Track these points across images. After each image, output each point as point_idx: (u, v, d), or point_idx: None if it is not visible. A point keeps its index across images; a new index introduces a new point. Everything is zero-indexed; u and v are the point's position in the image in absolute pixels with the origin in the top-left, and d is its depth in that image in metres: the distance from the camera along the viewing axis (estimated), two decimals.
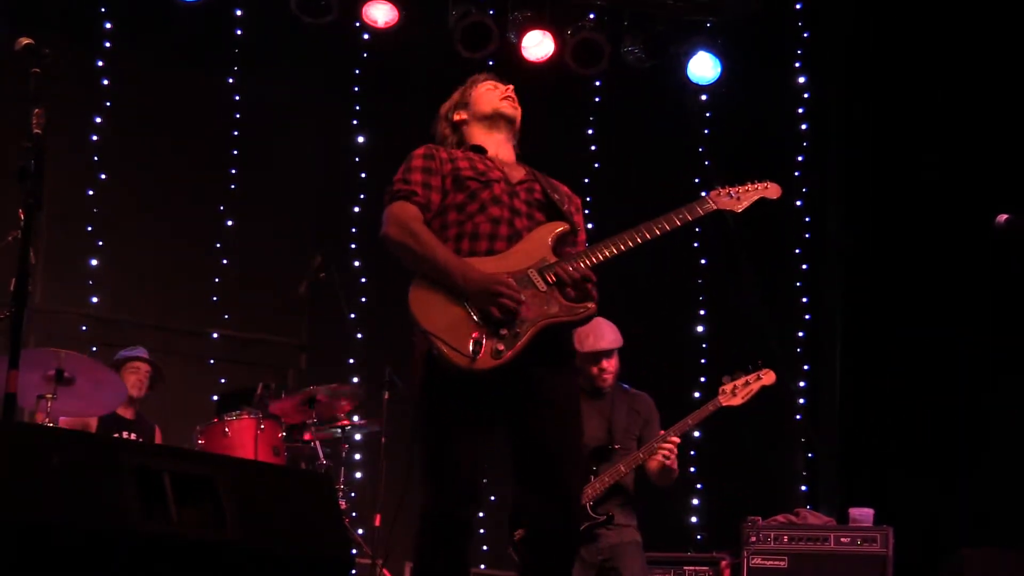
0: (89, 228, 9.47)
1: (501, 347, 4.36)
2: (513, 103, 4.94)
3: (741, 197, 5.05)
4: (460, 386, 4.37)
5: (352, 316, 9.25)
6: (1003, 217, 5.17)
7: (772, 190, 5.13)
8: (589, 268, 4.56)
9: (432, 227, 4.59)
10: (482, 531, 9.21)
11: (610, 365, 6.64)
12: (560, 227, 4.68)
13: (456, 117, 4.94)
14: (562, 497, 4.49)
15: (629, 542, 6.46)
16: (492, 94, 4.93)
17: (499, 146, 4.88)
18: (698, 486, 9.88)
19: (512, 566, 6.35)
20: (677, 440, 6.39)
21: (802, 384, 10.05)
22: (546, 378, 4.50)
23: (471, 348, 4.32)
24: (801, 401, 10.07)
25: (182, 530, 3.45)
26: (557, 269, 4.52)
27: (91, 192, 9.49)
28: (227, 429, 7.51)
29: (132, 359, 8.18)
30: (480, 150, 4.82)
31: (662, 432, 6.44)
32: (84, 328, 9.27)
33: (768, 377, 6.60)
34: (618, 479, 6.41)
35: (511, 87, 4.99)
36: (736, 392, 6.54)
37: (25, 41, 4.68)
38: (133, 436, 8.01)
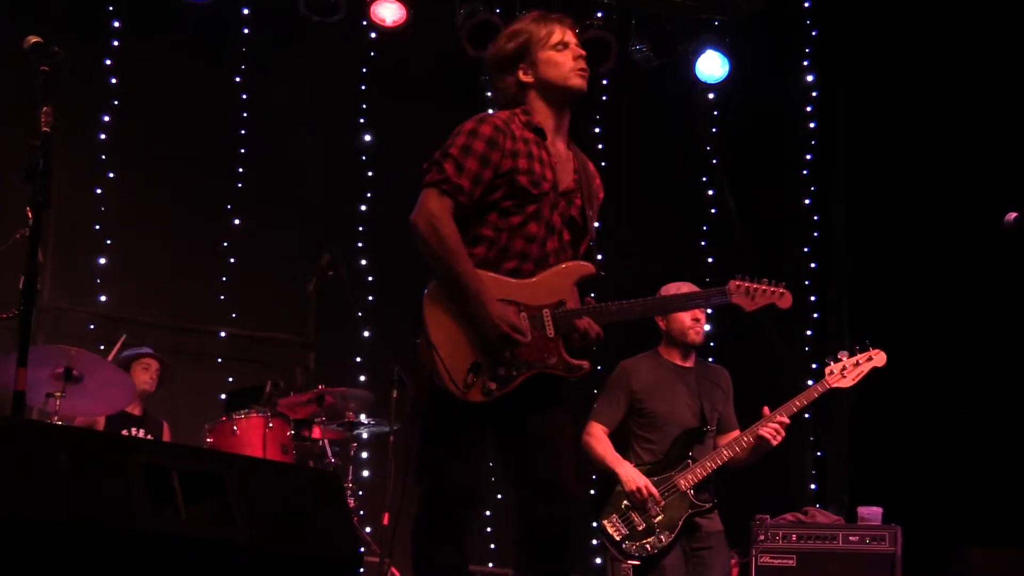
0: (97, 227, 9.47)
1: (492, 387, 4.39)
2: (585, 75, 4.65)
3: (755, 298, 5.02)
4: (451, 403, 4.39)
5: (360, 314, 9.25)
6: (1012, 215, 5.16)
7: (785, 299, 5.12)
8: (600, 328, 4.55)
9: (469, 219, 4.51)
10: (488, 529, 9.22)
11: (703, 317, 6.59)
12: (587, 272, 4.63)
13: (523, 77, 4.67)
14: (557, 491, 4.48)
15: (719, 532, 6.44)
16: (564, 59, 4.63)
17: (559, 129, 4.70)
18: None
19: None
20: (787, 421, 6.35)
21: (810, 383, 10.00)
22: (537, 401, 4.50)
23: (465, 378, 4.35)
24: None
25: (190, 528, 3.45)
26: (575, 321, 4.50)
27: (99, 191, 9.49)
28: (235, 428, 7.52)
29: (142, 355, 8.20)
30: (541, 134, 4.63)
31: (775, 412, 6.34)
32: (92, 327, 9.27)
33: (879, 358, 6.46)
34: (721, 464, 6.36)
35: (584, 54, 4.68)
36: (846, 373, 6.44)
37: (33, 39, 4.67)
38: (141, 432, 8.03)
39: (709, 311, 6.73)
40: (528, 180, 4.52)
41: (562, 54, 4.64)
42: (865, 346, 6.49)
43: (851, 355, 6.47)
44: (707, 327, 9.98)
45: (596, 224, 4.82)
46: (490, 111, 4.70)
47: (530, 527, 4.51)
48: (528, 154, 4.56)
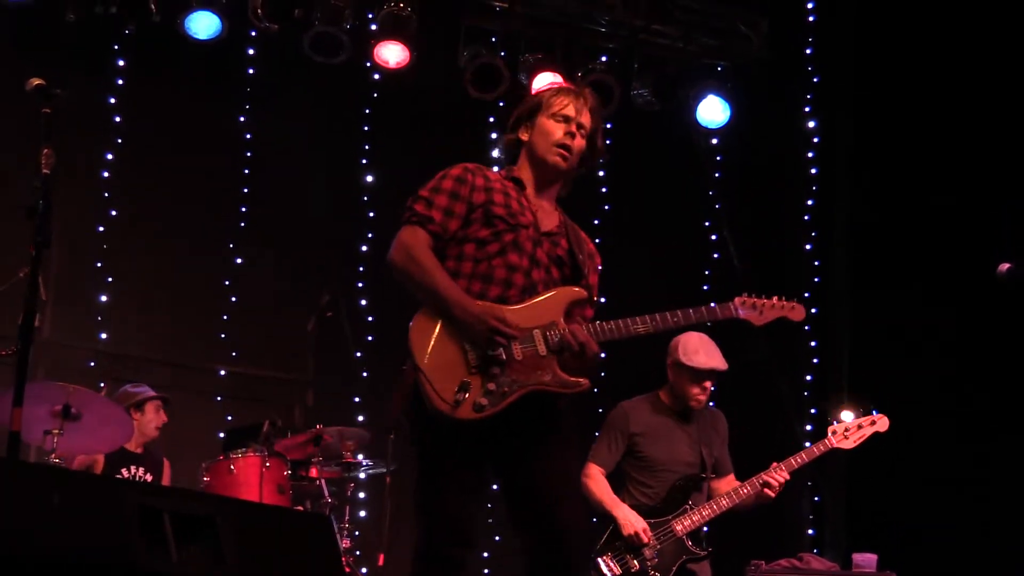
0: (99, 264, 9.50)
1: (484, 402, 4.36)
2: (565, 156, 4.68)
3: (764, 312, 5.00)
4: (443, 426, 4.38)
5: (359, 354, 9.26)
6: (1004, 266, 5.17)
7: (797, 312, 5.08)
8: (596, 343, 4.53)
9: (448, 255, 4.56)
10: (486, 571, 9.20)
11: (710, 387, 6.61)
12: (578, 294, 4.62)
13: (522, 135, 4.78)
14: (560, 537, 4.44)
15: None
16: (553, 130, 4.69)
17: (541, 188, 4.74)
18: (704, 529, 9.86)
19: None
20: (787, 477, 6.42)
21: (808, 428, 10.03)
22: (530, 431, 4.48)
23: (455, 395, 4.34)
24: (807, 445, 10.04)
25: (182, 570, 3.46)
26: (564, 335, 4.48)
27: (101, 228, 9.53)
28: (232, 467, 7.51)
29: (152, 398, 8.14)
30: (520, 184, 4.71)
31: (775, 464, 6.42)
32: (92, 363, 9.27)
33: (882, 424, 6.56)
34: (719, 514, 6.41)
35: (578, 133, 4.72)
36: (848, 435, 6.52)
37: (36, 82, 4.71)
38: (140, 470, 8.01)
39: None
40: (505, 211, 4.58)
41: (556, 125, 4.70)
42: (869, 410, 6.58)
43: (855, 417, 6.54)
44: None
45: (595, 291, 4.80)
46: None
47: (534, 573, 4.47)
48: (504, 193, 4.63)
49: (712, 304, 4.89)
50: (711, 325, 5.17)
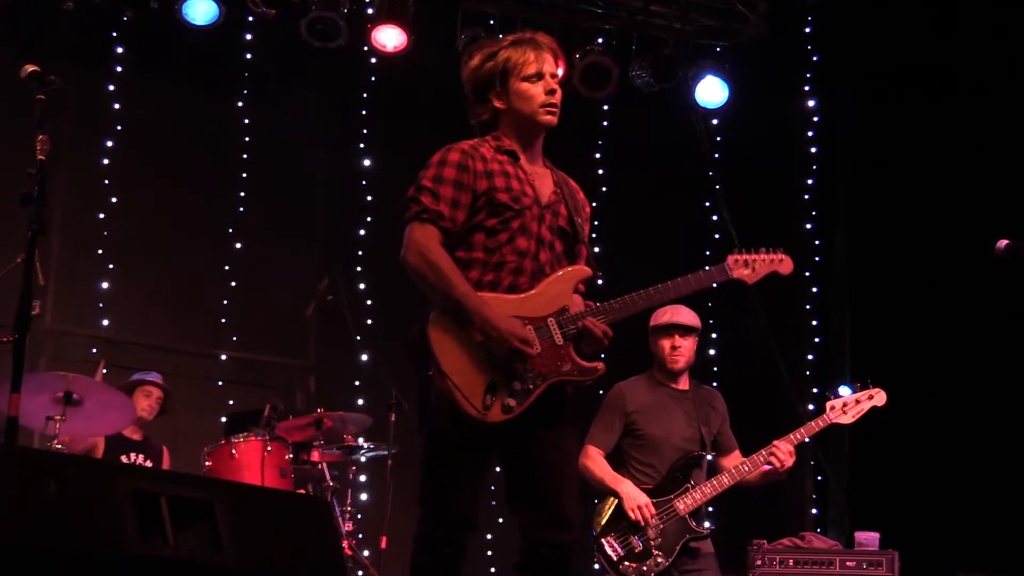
0: (100, 251, 9.50)
1: (512, 403, 4.38)
2: (554, 112, 4.66)
3: (756, 269, 5.09)
4: (466, 426, 4.38)
5: (359, 338, 9.26)
6: (1003, 243, 5.17)
7: (785, 264, 5.19)
8: (608, 326, 4.56)
9: (457, 244, 4.53)
10: (489, 553, 9.22)
11: (684, 343, 6.63)
12: (583, 273, 4.65)
13: (496, 103, 4.68)
14: (560, 517, 4.46)
15: (711, 554, 6.52)
16: (535, 93, 4.63)
17: (532, 151, 4.74)
18: (709, 509, 9.87)
19: None
20: (791, 449, 6.41)
21: (811, 407, 10.02)
22: (545, 420, 4.50)
23: (483, 400, 4.35)
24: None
25: (179, 554, 3.46)
26: (580, 323, 4.51)
27: (102, 215, 9.52)
28: (234, 451, 7.54)
29: (145, 382, 8.21)
30: (513, 156, 4.67)
31: (777, 443, 6.42)
32: (94, 350, 9.29)
33: (880, 398, 6.57)
34: (721, 492, 6.42)
35: (557, 88, 4.67)
36: (846, 410, 6.53)
37: (30, 68, 4.72)
38: (140, 457, 8.05)
39: (696, 337, 6.77)
40: (508, 196, 4.55)
41: (534, 86, 4.64)
42: (866, 384, 6.57)
43: (852, 392, 6.54)
44: (711, 351, 10.17)
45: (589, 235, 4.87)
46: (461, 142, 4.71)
47: (531, 552, 4.49)
48: (503, 173, 4.60)
49: (707, 267, 5.00)
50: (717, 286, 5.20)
